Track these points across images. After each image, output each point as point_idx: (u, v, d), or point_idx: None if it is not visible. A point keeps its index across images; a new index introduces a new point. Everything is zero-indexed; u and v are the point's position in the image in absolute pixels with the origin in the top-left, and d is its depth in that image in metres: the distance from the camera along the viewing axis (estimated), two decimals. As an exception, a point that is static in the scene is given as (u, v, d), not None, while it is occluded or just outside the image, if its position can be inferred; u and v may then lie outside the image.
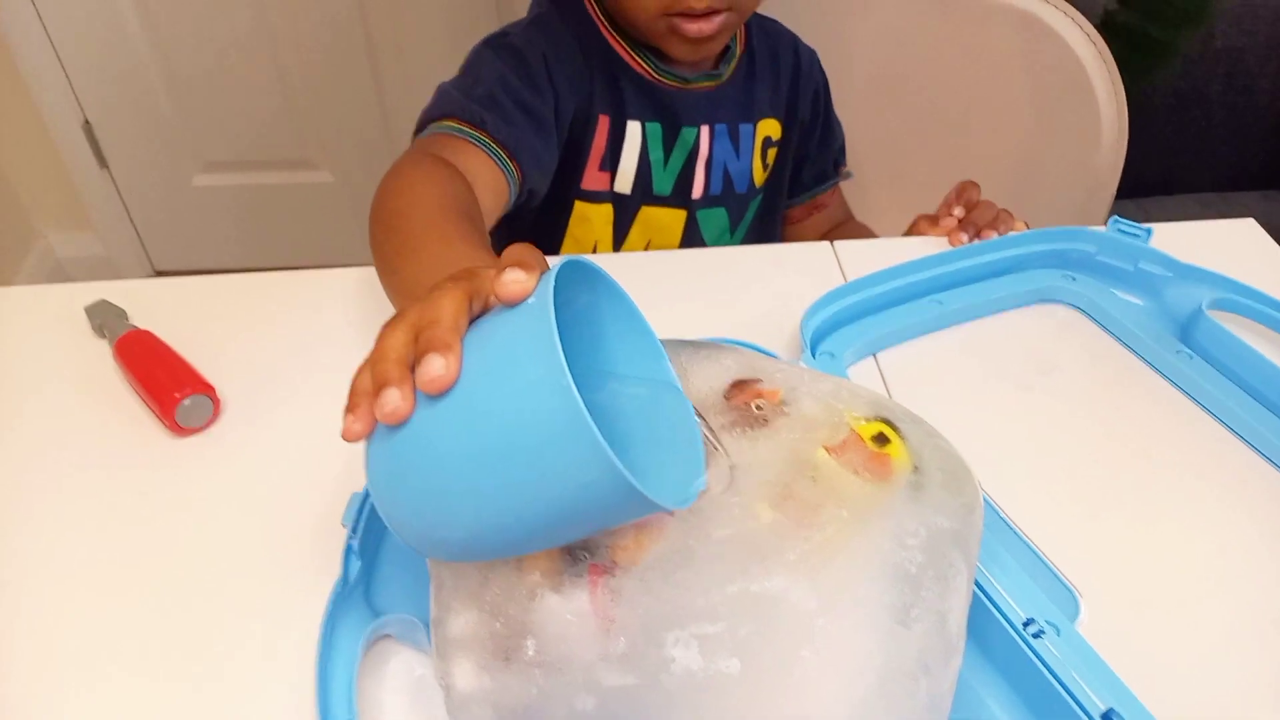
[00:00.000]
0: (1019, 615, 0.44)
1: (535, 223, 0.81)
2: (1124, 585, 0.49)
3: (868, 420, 0.40)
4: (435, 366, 0.31)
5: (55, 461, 0.54)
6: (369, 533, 0.47)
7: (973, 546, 0.38)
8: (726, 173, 0.84)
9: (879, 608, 0.34)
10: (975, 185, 0.75)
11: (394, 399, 0.32)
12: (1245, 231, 0.74)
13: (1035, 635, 0.43)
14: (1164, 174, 1.44)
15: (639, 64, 0.78)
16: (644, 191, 0.82)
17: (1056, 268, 0.68)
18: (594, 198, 0.81)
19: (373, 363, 0.34)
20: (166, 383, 0.55)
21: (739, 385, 0.43)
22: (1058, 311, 0.67)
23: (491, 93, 0.70)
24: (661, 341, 0.38)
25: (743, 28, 0.84)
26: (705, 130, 0.81)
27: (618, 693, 0.33)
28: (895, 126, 1.05)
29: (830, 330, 0.61)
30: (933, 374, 0.61)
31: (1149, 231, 0.67)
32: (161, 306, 0.65)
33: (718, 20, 0.72)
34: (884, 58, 1.03)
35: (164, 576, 0.48)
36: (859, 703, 0.34)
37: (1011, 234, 0.70)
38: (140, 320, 0.63)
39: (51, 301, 0.66)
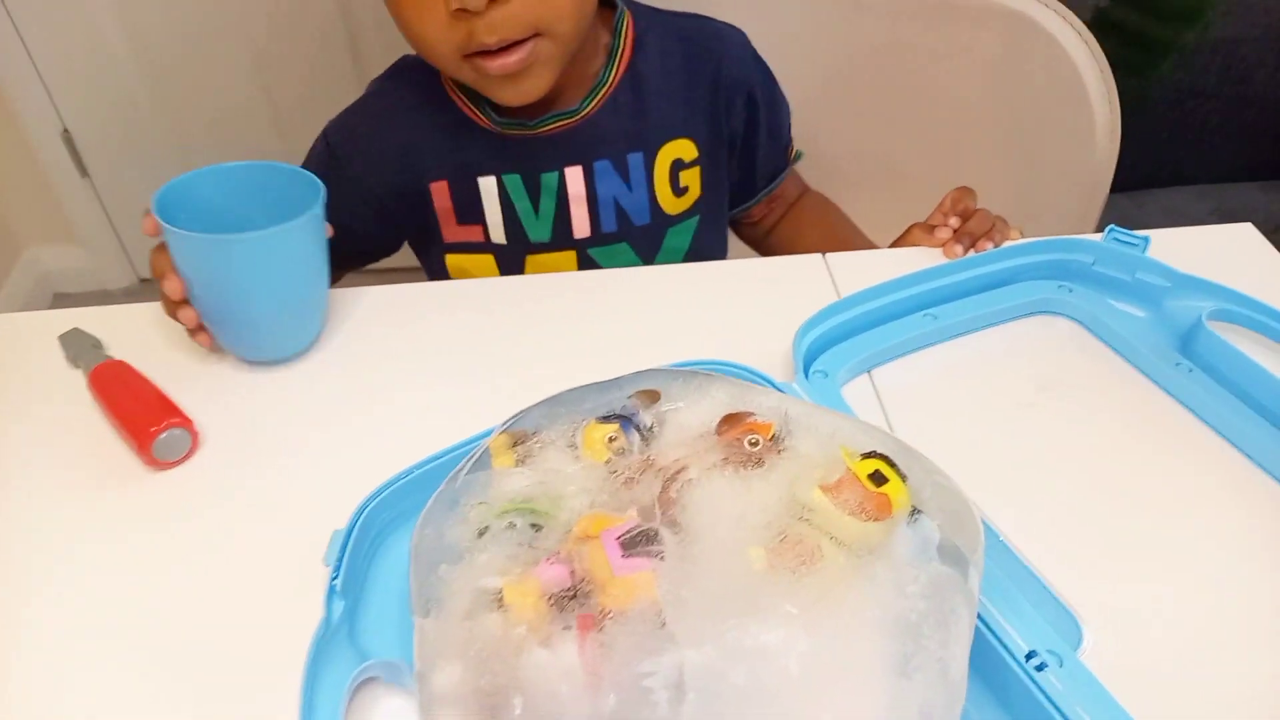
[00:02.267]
0: (1021, 647, 0.42)
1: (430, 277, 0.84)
2: (1127, 608, 0.47)
3: (864, 457, 0.38)
4: (166, 288, 0.60)
5: (28, 496, 0.53)
6: (352, 572, 0.46)
7: (975, 589, 0.37)
8: (619, 208, 0.78)
9: (878, 659, 0.33)
10: (970, 192, 0.73)
11: (185, 317, 0.60)
12: (1245, 238, 0.73)
13: (1038, 668, 0.42)
14: (1158, 167, 1.43)
15: (479, 117, 0.74)
16: (521, 241, 0.78)
17: (1053, 279, 0.67)
18: (467, 249, 0.79)
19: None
20: (142, 416, 0.54)
21: (730, 419, 0.41)
22: (1055, 324, 0.65)
23: None
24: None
25: (628, 48, 0.76)
26: (575, 171, 0.76)
27: (609, 752, 0.32)
28: (886, 131, 1.04)
29: (823, 348, 0.60)
30: (928, 391, 0.60)
31: (1146, 240, 0.66)
32: (139, 333, 0.64)
33: (523, 51, 0.65)
34: (873, 62, 1.02)
35: (139, 617, 0.47)
36: (859, 757, 0.32)
37: (1007, 245, 0.68)
38: (117, 347, 0.62)
39: (26, 329, 0.65)
